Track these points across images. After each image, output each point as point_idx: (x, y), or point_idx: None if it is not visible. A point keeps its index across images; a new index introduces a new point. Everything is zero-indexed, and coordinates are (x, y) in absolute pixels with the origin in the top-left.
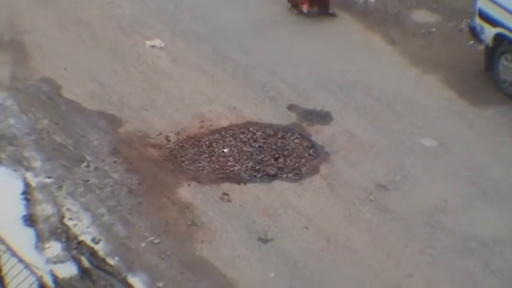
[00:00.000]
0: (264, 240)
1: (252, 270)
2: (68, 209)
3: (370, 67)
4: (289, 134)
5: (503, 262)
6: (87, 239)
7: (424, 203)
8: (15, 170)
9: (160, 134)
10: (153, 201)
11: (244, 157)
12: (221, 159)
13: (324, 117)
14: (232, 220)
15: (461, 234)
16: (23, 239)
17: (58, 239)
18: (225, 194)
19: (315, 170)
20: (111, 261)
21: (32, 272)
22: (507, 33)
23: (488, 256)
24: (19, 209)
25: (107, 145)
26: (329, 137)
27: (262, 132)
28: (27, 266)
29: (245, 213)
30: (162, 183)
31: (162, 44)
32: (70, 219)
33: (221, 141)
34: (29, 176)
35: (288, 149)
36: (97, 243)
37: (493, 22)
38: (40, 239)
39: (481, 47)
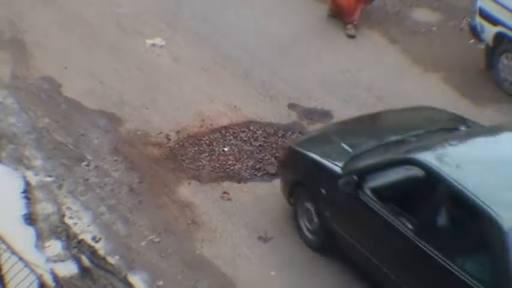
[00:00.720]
0: (264, 239)
1: (252, 269)
2: (68, 208)
3: (371, 66)
4: (290, 133)
5: None
6: (87, 237)
7: None
8: (16, 169)
9: (161, 132)
10: (153, 200)
11: (245, 156)
12: (221, 158)
13: (324, 116)
14: (233, 219)
15: None
16: (23, 238)
17: (58, 238)
18: (225, 192)
19: None
20: (111, 260)
21: (32, 271)
22: (507, 32)
23: None
24: (19, 207)
25: (107, 144)
26: None
27: (263, 131)
28: (27, 264)
29: (245, 212)
30: (163, 182)
31: (163, 43)
32: (70, 218)
33: (221, 140)
34: (29, 174)
35: None
36: (97, 242)
37: (494, 21)
38: (40, 237)
39: (482, 46)
